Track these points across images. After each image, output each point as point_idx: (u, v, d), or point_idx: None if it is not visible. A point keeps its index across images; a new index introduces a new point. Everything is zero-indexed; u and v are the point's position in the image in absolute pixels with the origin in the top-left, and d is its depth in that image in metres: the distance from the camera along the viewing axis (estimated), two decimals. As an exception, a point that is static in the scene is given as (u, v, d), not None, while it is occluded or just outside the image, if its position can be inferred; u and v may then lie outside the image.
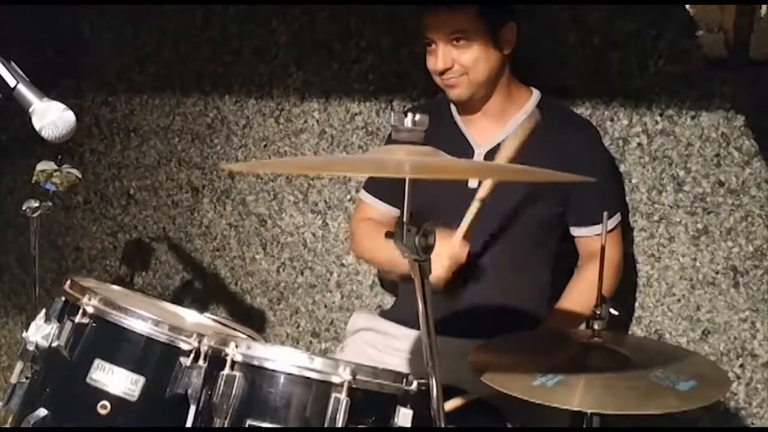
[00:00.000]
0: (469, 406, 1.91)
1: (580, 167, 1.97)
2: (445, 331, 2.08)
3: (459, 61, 2.11)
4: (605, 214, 1.75)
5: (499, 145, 2.19)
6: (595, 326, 1.70)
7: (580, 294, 2.18)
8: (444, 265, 1.98)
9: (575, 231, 2.22)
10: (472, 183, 2.18)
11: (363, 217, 2.40)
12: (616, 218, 2.23)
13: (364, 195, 2.41)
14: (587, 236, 2.20)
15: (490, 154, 2.18)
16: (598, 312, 1.69)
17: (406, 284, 2.24)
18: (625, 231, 2.30)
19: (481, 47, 2.10)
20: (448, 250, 1.98)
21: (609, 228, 2.16)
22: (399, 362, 2.17)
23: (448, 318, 2.10)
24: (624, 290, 2.34)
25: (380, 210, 2.36)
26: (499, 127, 2.21)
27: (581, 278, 2.23)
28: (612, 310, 1.72)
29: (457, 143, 2.18)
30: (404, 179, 1.46)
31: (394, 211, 2.35)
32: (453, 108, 2.26)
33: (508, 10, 2.16)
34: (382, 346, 2.23)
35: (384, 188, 2.33)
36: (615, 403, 1.53)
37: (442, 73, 2.14)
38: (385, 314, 2.39)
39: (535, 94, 2.25)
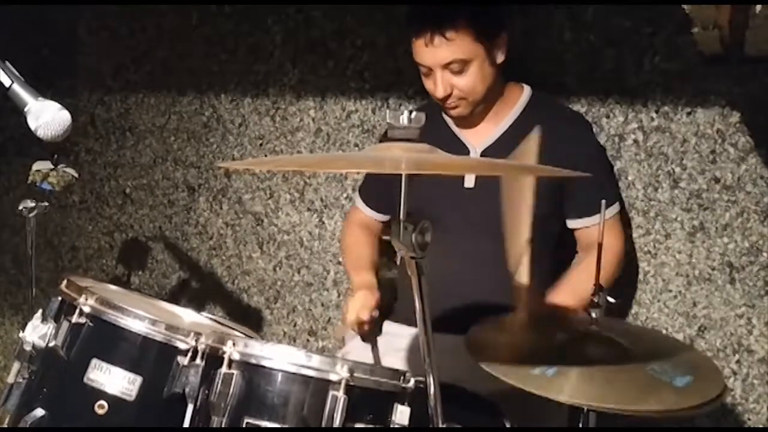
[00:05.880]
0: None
1: (574, 160, 1.98)
2: (444, 329, 2.09)
3: (458, 86, 2.09)
4: (603, 202, 1.72)
5: (493, 144, 2.19)
6: (593, 314, 1.69)
7: (580, 281, 2.14)
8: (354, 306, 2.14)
9: (574, 223, 2.21)
10: (468, 182, 2.18)
11: (353, 220, 2.49)
12: (615, 207, 2.23)
13: (356, 199, 2.49)
14: (586, 227, 2.18)
15: (485, 154, 2.18)
16: (596, 300, 1.69)
17: (403, 283, 2.24)
18: (623, 225, 2.30)
19: (479, 69, 2.07)
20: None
21: (607, 217, 2.16)
22: (401, 361, 2.17)
23: (446, 315, 2.11)
24: (621, 286, 2.34)
25: (368, 216, 2.44)
26: (493, 127, 2.21)
27: (582, 265, 2.17)
28: (609, 298, 1.71)
29: (451, 146, 2.17)
30: (397, 184, 1.46)
31: (381, 218, 2.42)
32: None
33: (501, 23, 2.12)
34: (384, 347, 2.23)
35: (375, 195, 2.40)
36: (614, 399, 1.53)
37: (441, 99, 2.12)
38: (384, 315, 2.38)
39: (526, 91, 2.24)
